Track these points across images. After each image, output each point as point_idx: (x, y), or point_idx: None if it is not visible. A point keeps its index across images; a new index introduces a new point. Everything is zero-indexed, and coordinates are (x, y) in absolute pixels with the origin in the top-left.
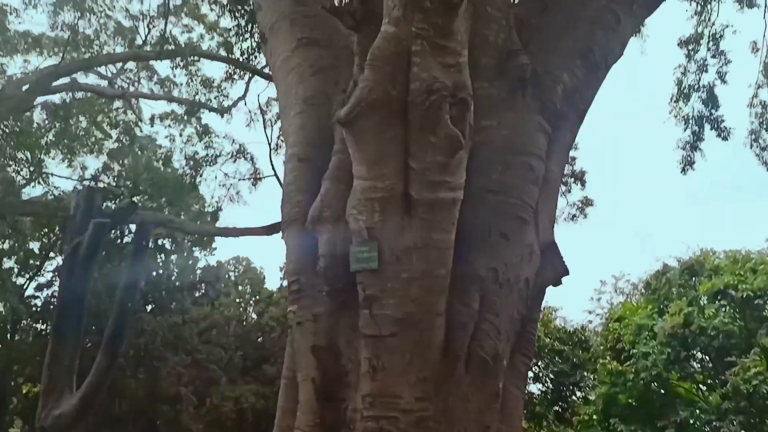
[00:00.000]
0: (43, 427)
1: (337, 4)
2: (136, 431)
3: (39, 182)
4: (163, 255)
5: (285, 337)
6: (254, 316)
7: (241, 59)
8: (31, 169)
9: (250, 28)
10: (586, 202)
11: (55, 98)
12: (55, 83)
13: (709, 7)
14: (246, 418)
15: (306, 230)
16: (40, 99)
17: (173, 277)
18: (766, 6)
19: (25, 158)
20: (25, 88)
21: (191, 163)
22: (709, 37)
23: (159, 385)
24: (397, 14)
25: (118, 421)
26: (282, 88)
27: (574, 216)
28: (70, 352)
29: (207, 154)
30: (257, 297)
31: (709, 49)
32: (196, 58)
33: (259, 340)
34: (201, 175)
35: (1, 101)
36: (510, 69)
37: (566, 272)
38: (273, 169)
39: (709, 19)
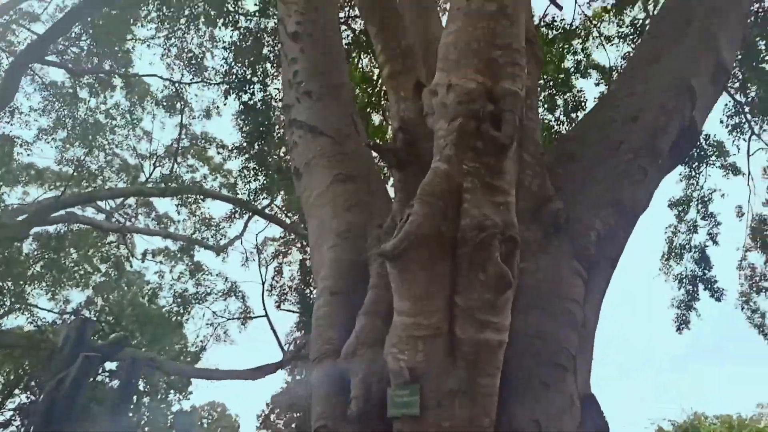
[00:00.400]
0: None
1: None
2: None
3: (23, 312)
4: (134, 397)
5: None
6: None
7: (247, 199)
8: (13, 299)
9: (258, 170)
10: None
11: (50, 228)
12: (52, 215)
13: (698, 171)
14: None
15: (337, 369)
16: (35, 229)
17: (143, 422)
18: (749, 174)
19: (7, 288)
20: (21, 218)
21: (179, 300)
22: (698, 199)
23: None
24: (449, 152)
25: None
26: (315, 223)
27: None
28: None
29: (197, 292)
30: None
31: (698, 212)
32: (200, 197)
33: None
34: (189, 313)
35: None
36: (545, 214)
37: (606, 429)
38: (264, 309)
39: (697, 183)
